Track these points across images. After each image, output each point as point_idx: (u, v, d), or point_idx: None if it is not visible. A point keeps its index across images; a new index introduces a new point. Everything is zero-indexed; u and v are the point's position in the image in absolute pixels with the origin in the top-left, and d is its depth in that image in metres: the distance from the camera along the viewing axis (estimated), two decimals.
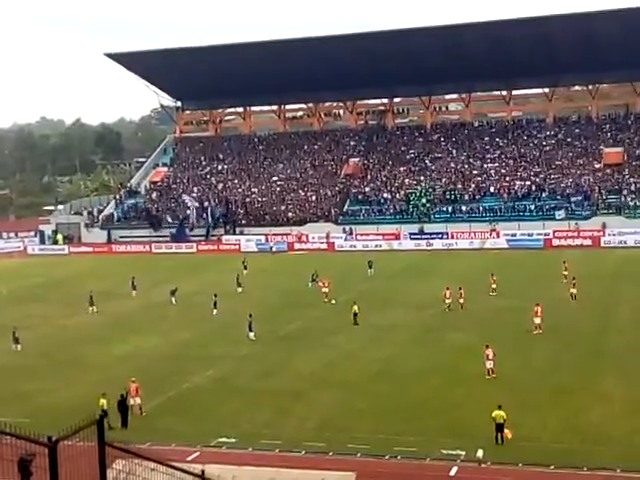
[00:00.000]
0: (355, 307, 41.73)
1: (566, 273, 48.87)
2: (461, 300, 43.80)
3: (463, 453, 23.65)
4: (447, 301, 44.07)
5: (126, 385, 28.51)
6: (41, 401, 30.29)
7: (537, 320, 37.84)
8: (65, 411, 26.05)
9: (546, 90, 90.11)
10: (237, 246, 77.34)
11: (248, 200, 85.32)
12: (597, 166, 79.09)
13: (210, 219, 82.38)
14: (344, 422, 26.84)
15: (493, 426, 24.25)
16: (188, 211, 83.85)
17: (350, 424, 26.54)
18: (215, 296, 45.99)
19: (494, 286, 46.98)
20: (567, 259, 52.35)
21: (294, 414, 28.20)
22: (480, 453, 23.08)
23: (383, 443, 24.64)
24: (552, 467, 22.60)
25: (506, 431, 24.09)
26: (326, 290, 47.84)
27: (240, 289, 52.51)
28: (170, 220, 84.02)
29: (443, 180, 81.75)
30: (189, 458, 22.47)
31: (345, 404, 28.87)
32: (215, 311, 45.37)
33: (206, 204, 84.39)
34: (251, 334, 39.10)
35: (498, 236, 71.29)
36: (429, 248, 70.42)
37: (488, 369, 30.77)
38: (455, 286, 45.14)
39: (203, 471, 11.55)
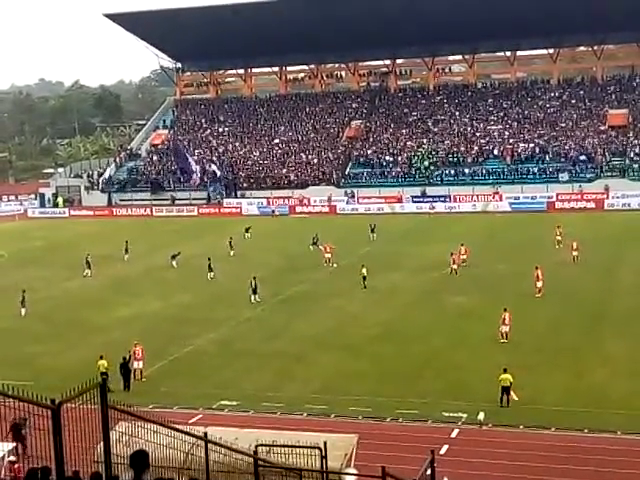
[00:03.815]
0: (364, 270, 41.58)
1: (559, 238, 48.80)
2: (454, 266, 43.45)
3: (465, 415, 23.75)
4: (463, 256, 44.94)
5: (129, 348, 28.57)
6: (44, 364, 30.38)
7: (539, 283, 37.80)
8: (68, 374, 26.09)
9: (551, 51, 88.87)
10: (238, 209, 77.13)
11: (249, 163, 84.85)
12: (602, 128, 78.38)
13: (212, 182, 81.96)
14: (346, 384, 26.92)
15: (499, 389, 24.31)
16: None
17: (352, 386, 26.62)
18: (209, 259, 45.74)
19: (464, 257, 45.35)
20: (562, 223, 52.20)
21: (296, 377, 28.28)
22: (481, 415, 23.19)
23: (385, 405, 24.74)
24: (553, 429, 22.71)
25: (512, 394, 24.17)
26: (329, 255, 47.72)
27: (232, 252, 52.24)
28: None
29: (446, 142, 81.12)
30: (191, 421, 22.55)
31: (347, 367, 28.94)
32: (211, 274, 45.20)
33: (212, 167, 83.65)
34: (254, 296, 39.10)
35: (501, 199, 70.99)
36: (431, 211, 70.11)
37: (503, 333, 30.62)
38: (458, 248, 45.16)
39: (205, 433, 11.54)
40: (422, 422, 23.65)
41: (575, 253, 44.60)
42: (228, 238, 53.79)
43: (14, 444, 17.99)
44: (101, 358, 27.34)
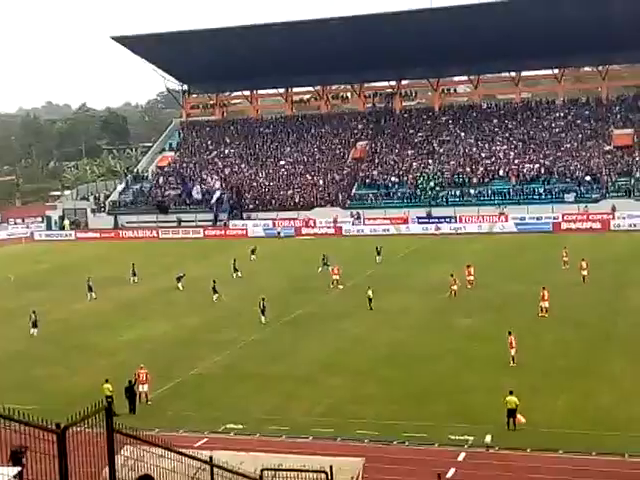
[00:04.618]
0: (370, 292, 41.55)
1: (566, 259, 48.75)
2: (454, 287, 43.04)
3: (471, 438, 23.58)
4: (470, 277, 44.87)
5: (135, 371, 28.52)
6: (50, 387, 30.35)
7: (545, 304, 37.69)
8: (74, 397, 26.08)
9: (555, 71, 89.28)
10: (244, 231, 77.27)
11: (255, 185, 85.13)
12: (607, 148, 78.47)
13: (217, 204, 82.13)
14: (352, 407, 26.78)
15: (505, 411, 24.14)
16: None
17: (358, 409, 26.49)
18: (214, 282, 45.67)
19: (470, 278, 45.07)
20: (568, 244, 52.24)
21: (302, 400, 28.16)
22: (488, 438, 23.01)
23: (391, 429, 24.59)
24: (561, 452, 22.52)
25: (519, 416, 23.98)
26: (337, 277, 47.69)
27: (236, 275, 52.19)
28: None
29: (451, 163, 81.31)
30: (197, 444, 22.46)
31: (353, 389, 28.82)
32: (216, 296, 45.22)
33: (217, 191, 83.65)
34: (263, 317, 39.11)
35: (507, 220, 70.95)
36: (437, 232, 70.05)
37: (512, 356, 30.39)
38: (463, 269, 45.11)
39: (211, 457, 11.52)
40: (429, 445, 23.50)
41: (584, 272, 44.53)
42: (232, 260, 53.83)
43: (19, 468, 17.97)
44: (106, 382, 27.32)
